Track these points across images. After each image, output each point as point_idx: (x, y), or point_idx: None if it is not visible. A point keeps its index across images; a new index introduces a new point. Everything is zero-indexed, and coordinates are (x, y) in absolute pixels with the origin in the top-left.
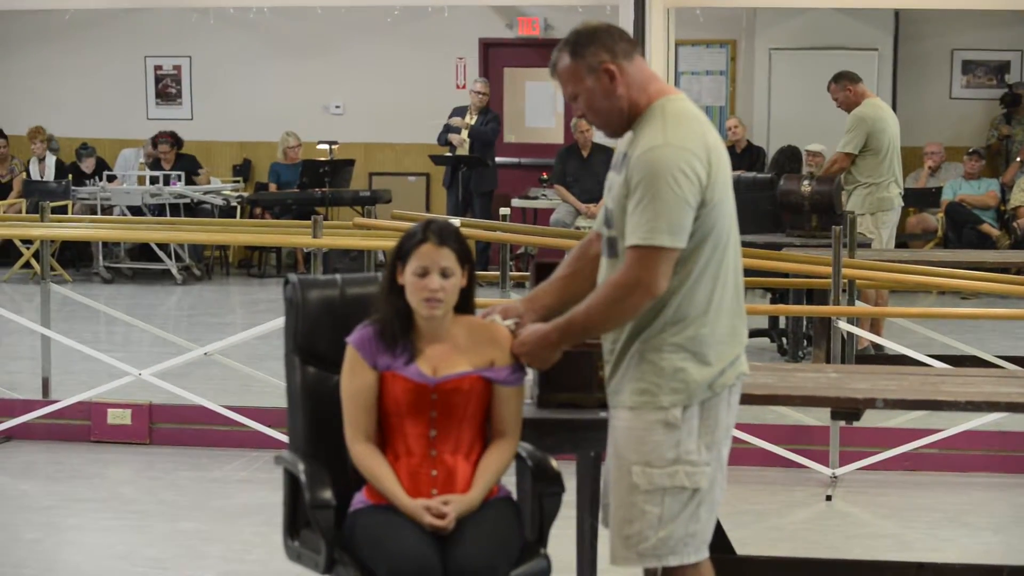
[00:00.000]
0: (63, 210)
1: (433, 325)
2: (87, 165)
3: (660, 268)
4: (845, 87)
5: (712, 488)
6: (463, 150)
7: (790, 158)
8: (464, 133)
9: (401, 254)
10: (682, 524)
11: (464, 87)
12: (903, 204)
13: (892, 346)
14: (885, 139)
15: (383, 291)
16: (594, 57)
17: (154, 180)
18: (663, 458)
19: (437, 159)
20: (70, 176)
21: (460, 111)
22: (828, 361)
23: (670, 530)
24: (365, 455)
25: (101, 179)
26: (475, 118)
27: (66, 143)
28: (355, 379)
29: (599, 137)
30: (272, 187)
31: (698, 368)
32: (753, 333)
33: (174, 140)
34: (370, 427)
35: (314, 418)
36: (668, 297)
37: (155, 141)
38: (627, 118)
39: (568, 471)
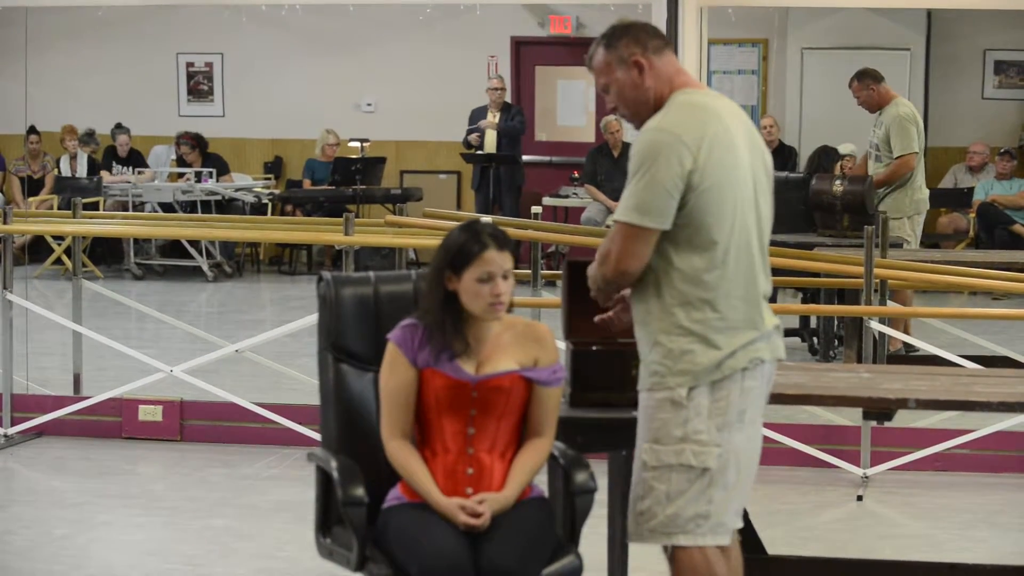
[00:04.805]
0: (95, 206)
1: (481, 324)
2: (121, 143)
3: (628, 244)
4: (868, 86)
5: (725, 471)
6: (491, 148)
7: (825, 157)
8: (491, 134)
9: (459, 262)
10: (691, 503)
11: None
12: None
13: (924, 346)
14: (921, 140)
15: (433, 299)
16: (625, 49)
17: (183, 175)
18: (671, 436)
19: (468, 157)
20: (102, 173)
21: (480, 112)
22: (859, 361)
23: (678, 508)
24: (400, 451)
25: (134, 167)
26: (498, 116)
27: (100, 140)
28: (395, 376)
29: (629, 137)
30: (307, 183)
31: (705, 351)
32: (784, 333)
33: (196, 142)
34: (407, 424)
35: (347, 415)
36: (674, 281)
37: (178, 141)
38: (653, 110)
39: (600, 470)
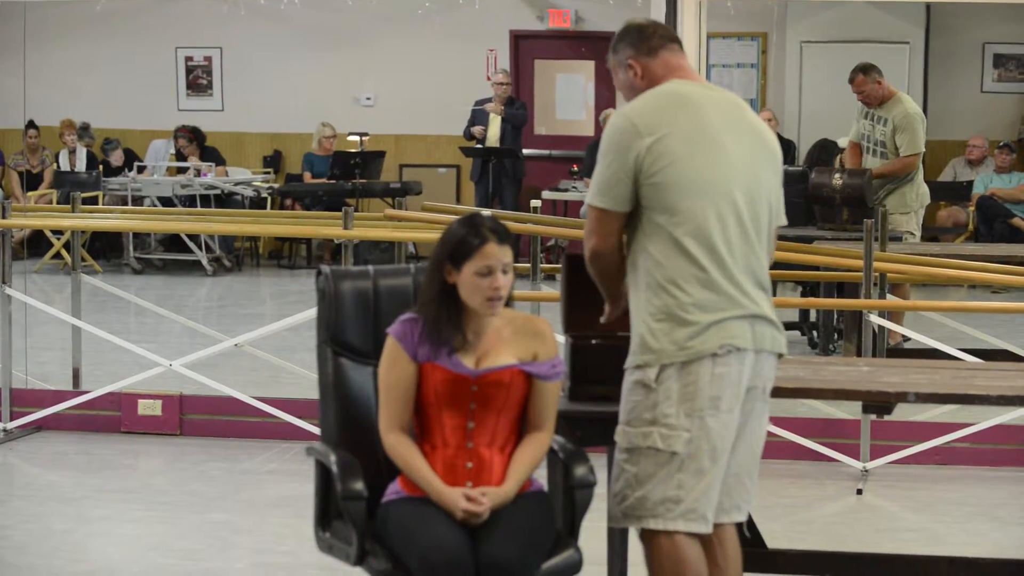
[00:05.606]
0: (94, 201)
1: (480, 318)
2: (115, 158)
3: (591, 225)
4: (876, 79)
5: (696, 456)
6: (494, 141)
7: (824, 151)
8: (494, 128)
9: (458, 256)
10: (659, 487)
11: None
12: None
13: (923, 340)
14: (925, 137)
15: (431, 292)
16: (623, 53)
17: (183, 171)
18: (641, 419)
19: (467, 151)
20: (100, 168)
21: (482, 109)
22: (859, 354)
23: (646, 491)
24: (399, 445)
25: (131, 170)
26: (503, 109)
27: (96, 134)
28: (394, 370)
29: None
30: (307, 176)
31: (671, 329)
32: (784, 326)
33: (193, 135)
34: (406, 418)
35: (346, 409)
36: (645, 263)
37: (175, 135)
38: None
39: (599, 464)
